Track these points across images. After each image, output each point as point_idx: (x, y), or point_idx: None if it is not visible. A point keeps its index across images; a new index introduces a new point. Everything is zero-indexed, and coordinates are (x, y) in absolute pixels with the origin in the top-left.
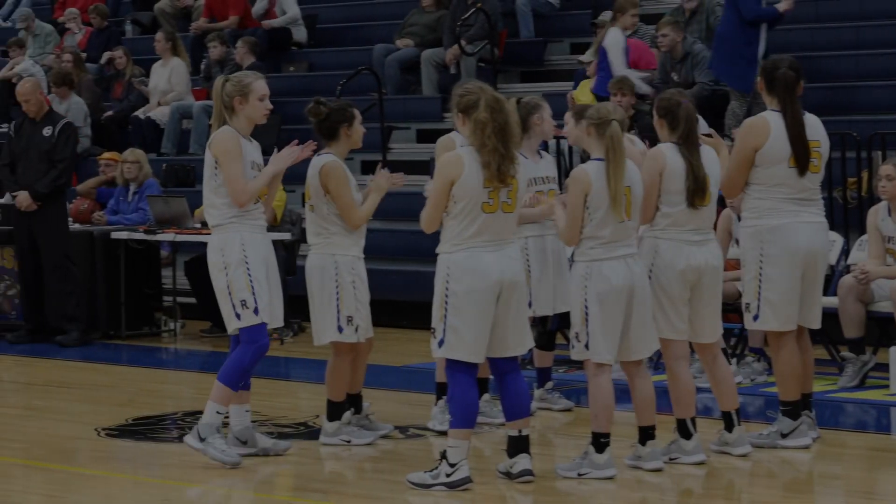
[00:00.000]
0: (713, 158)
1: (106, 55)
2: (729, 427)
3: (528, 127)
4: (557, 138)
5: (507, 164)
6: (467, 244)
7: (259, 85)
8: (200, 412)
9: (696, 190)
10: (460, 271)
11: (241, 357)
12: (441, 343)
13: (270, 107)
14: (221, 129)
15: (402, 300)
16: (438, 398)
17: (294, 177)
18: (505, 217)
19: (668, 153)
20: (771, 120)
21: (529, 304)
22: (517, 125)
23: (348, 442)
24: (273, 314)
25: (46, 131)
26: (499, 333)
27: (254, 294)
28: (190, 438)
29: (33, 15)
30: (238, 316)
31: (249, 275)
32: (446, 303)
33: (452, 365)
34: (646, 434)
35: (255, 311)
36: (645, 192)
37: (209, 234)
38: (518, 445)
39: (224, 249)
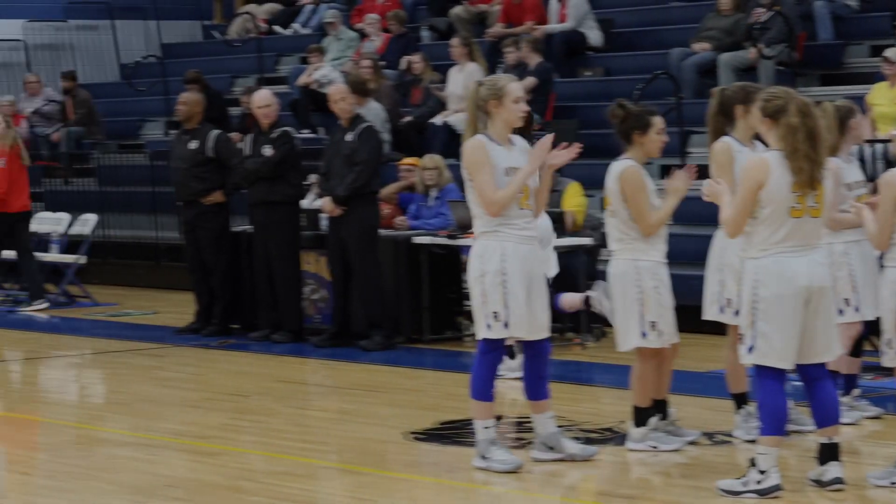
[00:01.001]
0: None
1: (405, 61)
2: None
3: (845, 131)
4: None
5: (817, 170)
6: (774, 249)
7: (513, 87)
8: (502, 416)
9: None
10: (768, 276)
11: (479, 369)
12: (751, 349)
13: (526, 108)
14: (470, 139)
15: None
16: (739, 407)
17: (593, 181)
18: (812, 222)
19: None
20: None
21: (840, 311)
22: (825, 130)
23: (655, 448)
24: (533, 326)
25: (349, 136)
26: (807, 339)
27: (507, 308)
28: (475, 460)
29: (341, 18)
30: (489, 327)
31: (505, 287)
32: (755, 309)
33: (761, 371)
34: None
35: (506, 324)
36: None
37: None
38: (828, 453)
39: (483, 257)
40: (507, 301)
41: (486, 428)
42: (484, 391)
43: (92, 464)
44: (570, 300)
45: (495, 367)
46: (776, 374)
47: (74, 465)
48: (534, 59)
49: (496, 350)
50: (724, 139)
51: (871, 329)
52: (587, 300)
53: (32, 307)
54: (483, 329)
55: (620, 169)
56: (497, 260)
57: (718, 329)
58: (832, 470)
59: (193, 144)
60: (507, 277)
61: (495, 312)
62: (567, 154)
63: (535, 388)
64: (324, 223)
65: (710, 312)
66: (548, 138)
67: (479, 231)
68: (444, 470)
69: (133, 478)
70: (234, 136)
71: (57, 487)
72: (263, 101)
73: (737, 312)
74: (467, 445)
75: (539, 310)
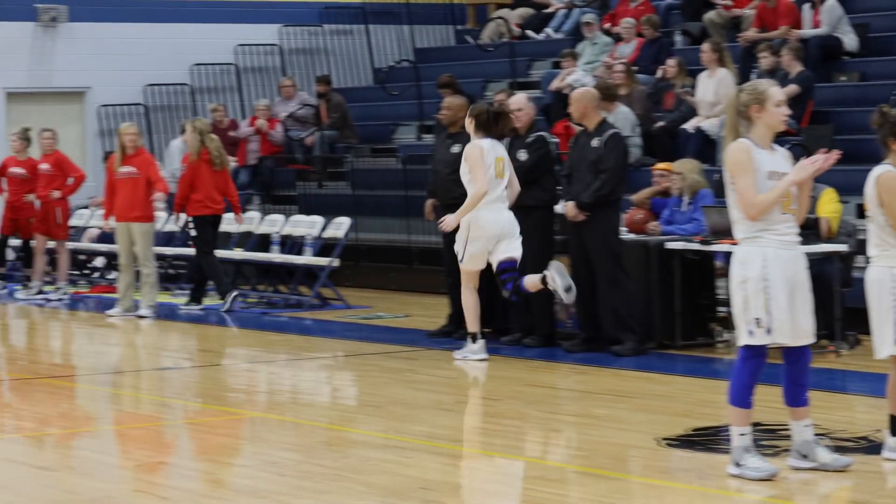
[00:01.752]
0: None
1: (662, 67)
2: None
3: None
4: None
5: None
6: None
7: (775, 91)
8: (758, 423)
9: None
10: None
11: (739, 375)
12: None
13: (788, 112)
14: (734, 143)
15: None
16: None
17: (848, 187)
18: None
19: None
20: None
21: None
22: None
23: None
24: (796, 332)
25: (595, 142)
26: None
27: (769, 314)
28: (729, 467)
29: (598, 21)
30: (750, 333)
31: (767, 293)
32: None
33: None
34: None
35: (768, 331)
36: None
37: None
38: None
39: (745, 263)
40: (769, 307)
41: (742, 435)
42: (743, 398)
43: (345, 465)
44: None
45: (757, 375)
46: None
47: (328, 467)
48: (795, 67)
49: (758, 357)
50: None
51: None
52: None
53: (227, 304)
54: (745, 335)
55: (877, 174)
56: (759, 265)
57: None
58: None
59: (456, 148)
60: (769, 283)
61: (757, 318)
62: (827, 161)
63: (794, 395)
64: None
65: None
66: (821, 156)
67: (741, 236)
68: (696, 477)
69: (386, 480)
70: None
71: (310, 488)
72: (516, 104)
73: None
74: (720, 452)
75: (802, 315)
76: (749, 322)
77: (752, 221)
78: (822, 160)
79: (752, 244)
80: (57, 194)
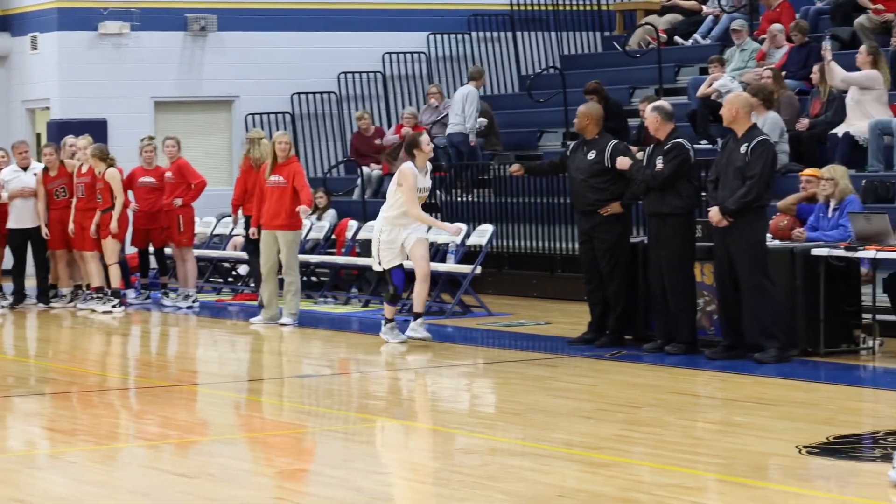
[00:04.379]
0: None
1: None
2: None
3: None
4: None
5: None
6: None
7: None
8: (893, 432)
9: None
10: None
11: None
12: None
13: None
14: None
15: None
16: None
17: None
18: None
19: None
20: None
21: None
22: None
23: None
24: None
25: (742, 148)
26: None
27: None
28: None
29: (747, 27)
30: None
31: None
32: None
33: None
34: None
35: None
36: None
37: None
38: None
39: None
40: None
41: None
42: None
43: (484, 473)
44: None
45: None
46: None
47: (466, 474)
48: None
49: None
50: None
51: None
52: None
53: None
54: None
55: None
56: None
57: None
58: None
59: (592, 155)
60: None
61: None
62: None
63: None
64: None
65: None
66: None
67: None
68: (836, 485)
69: (524, 487)
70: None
71: (449, 496)
72: (643, 114)
73: None
74: (861, 460)
75: None
76: None
77: None
78: None
79: None
80: (179, 202)
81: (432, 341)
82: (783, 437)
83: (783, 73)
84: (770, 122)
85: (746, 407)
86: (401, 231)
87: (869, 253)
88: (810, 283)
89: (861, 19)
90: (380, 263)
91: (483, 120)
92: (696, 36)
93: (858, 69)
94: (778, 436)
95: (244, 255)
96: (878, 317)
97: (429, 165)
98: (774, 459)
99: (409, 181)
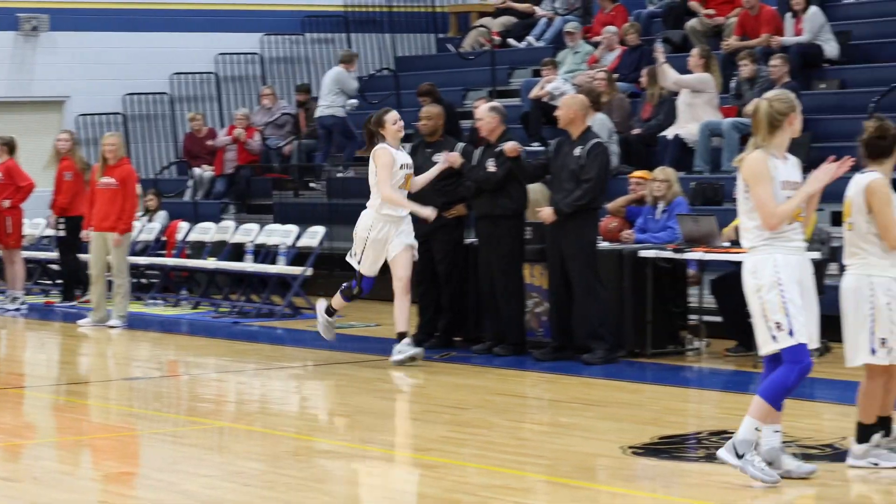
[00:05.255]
0: None
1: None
2: None
3: None
4: None
5: None
6: None
7: (797, 101)
8: (724, 431)
9: None
10: None
11: (785, 376)
12: None
13: None
14: (753, 153)
15: None
16: None
17: (824, 195)
18: None
19: None
20: None
21: None
22: None
23: (876, 465)
24: (810, 335)
25: (577, 151)
26: None
27: (788, 315)
28: (725, 454)
29: (581, 30)
30: (774, 338)
31: (783, 297)
32: None
33: None
34: None
35: (790, 332)
36: None
37: (737, 252)
38: None
39: (756, 272)
40: (787, 310)
41: (757, 430)
42: (776, 397)
43: (310, 475)
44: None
45: (800, 380)
46: None
47: (293, 476)
48: (784, 77)
49: (803, 361)
50: None
51: None
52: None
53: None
54: (769, 343)
55: (868, 181)
56: (770, 271)
57: None
58: None
59: (437, 157)
60: (783, 287)
61: (777, 323)
62: (841, 168)
63: None
64: None
65: None
66: (834, 164)
67: (749, 246)
68: (661, 485)
69: (350, 490)
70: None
71: (274, 498)
72: (478, 114)
73: None
74: (684, 460)
75: (812, 319)
76: (770, 327)
77: (771, 231)
78: (835, 167)
79: (762, 252)
80: (7, 203)
81: (422, 358)
82: (608, 437)
83: (615, 75)
84: (598, 124)
85: (573, 408)
86: (390, 229)
87: (696, 255)
88: (638, 285)
89: (693, 23)
90: (359, 263)
91: (354, 101)
92: (530, 38)
93: (690, 72)
94: (603, 436)
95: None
96: (705, 318)
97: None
98: (600, 460)
99: (383, 158)
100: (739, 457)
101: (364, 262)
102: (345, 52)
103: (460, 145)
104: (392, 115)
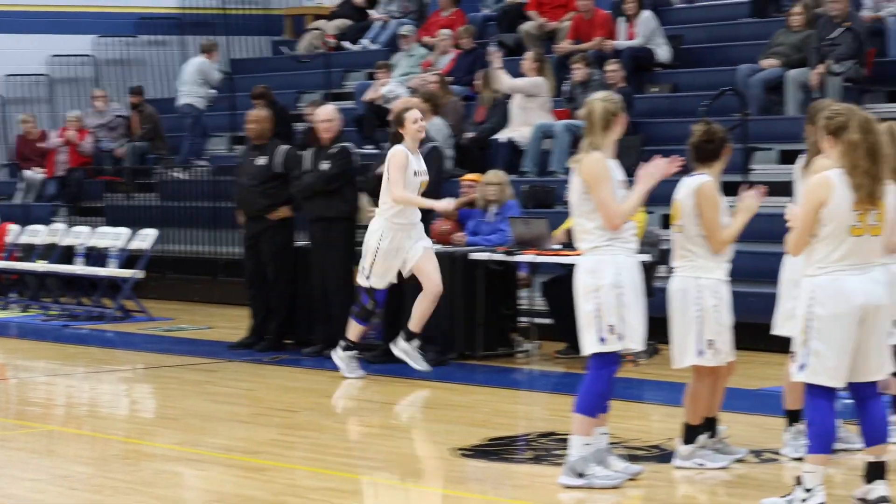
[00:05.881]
0: None
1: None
2: None
3: None
4: None
5: (877, 186)
6: (833, 267)
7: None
8: (554, 433)
9: None
10: (825, 295)
11: (594, 384)
12: (802, 367)
13: None
14: (592, 154)
15: (761, 322)
16: (790, 424)
17: (652, 197)
18: (872, 240)
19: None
20: None
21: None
22: (887, 146)
23: (702, 465)
24: (638, 338)
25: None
26: (860, 358)
27: (623, 320)
28: (566, 479)
29: (416, 33)
30: (603, 340)
31: (621, 299)
32: (809, 327)
33: (812, 390)
34: None
35: (621, 337)
36: None
37: (568, 255)
38: (875, 472)
39: (597, 272)
40: (622, 314)
41: (587, 445)
42: (593, 407)
43: (138, 479)
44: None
45: (612, 382)
46: (827, 393)
47: (120, 480)
48: (620, 82)
49: (614, 364)
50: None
51: None
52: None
53: None
54: (595, 343)
55: (698, 184)
56: (612, 273)
57: (775, 346)
58: (878, 489)
59: (262, 160)
60: (622, 290)
61: (611, 325)
62: (671, 167)
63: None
64: None
65: (784, 328)
66: (664, 162)
67: (590, 245)
68: (490, 486)
69: (179, 493)
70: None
71: (101, 502)
72: (326, 115)
73: None
74: (514, 462)
75: (642, 321)
76: (602, 329)
77: (614, 230)
78: (665, 163)
79: (604, 253)
80: None
81: (430, 373)
82: (439, 439)
83: (450, 78)
84: (434, 128)
85: (403, 410)
86: (403, 239)
87: (527, 257)
88: (469, 287)
89: (526, 26)
90: (367, 278)
91: (213, 91)
92: (365, 41)
93: (524, 75)
94: (434, 438)
95: None
96: (536, 320)
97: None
98: (430, 462)
99: (396, 160)
100: (580, 476)
101: (374, 274)
102: (206, 41)
103: (283, 148)
104: (412, 114)
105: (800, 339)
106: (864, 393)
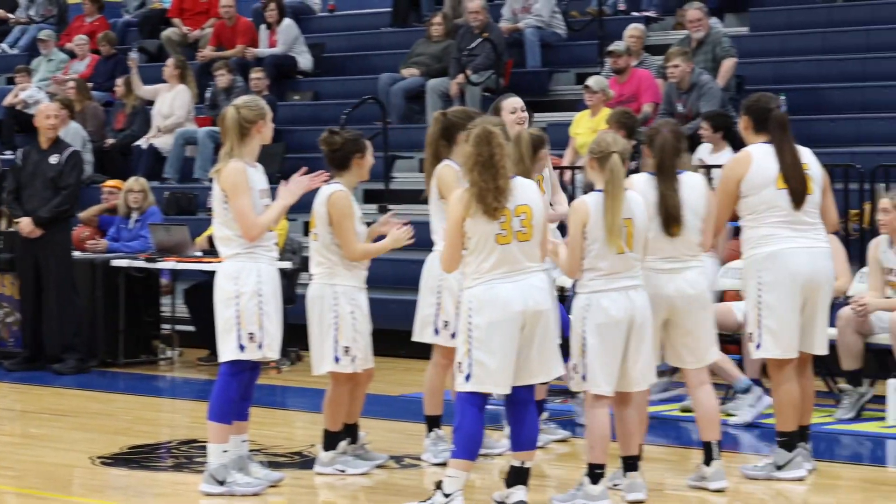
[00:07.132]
0: (692, 186)
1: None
2: (707, 460)
3: (536, 159)
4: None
5: (495, 197)
6: (486, 277)
7: (268, 108)
8: (195, 440)
9: (669, 218)
10: (480, 304)
11: (226, 391)
12: (468, 378)
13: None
14: (231, 163)
15: (401, 329)
16: (430, 430)
17: (296, 206)
18: (521, 246)
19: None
20: (753, 150)
21: None
22: (507, 157)
23: (343, 472)
24: (276, 347)
25: (53, 159)
26: (521, 363)
27: (262, 328)
28: (207, 486)
29: (55, 38)
30: (242, 348)
31: (261, 308)
32: (470, 337)
33: (465, 397)
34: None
35: (260, 345)
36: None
37: (209, 262)
38: (518, 477)
39: (239, 279)
40: (262, 322)
41: (225, 452)
42: (226, 413)
43: None
44: None
45: (242, 389)
46: (478, 401)
47: None
48: (264, 90)
49: (246, 371)
50: (448, 163)
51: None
52: None
53: None
54: (234, 350)
55: (329, 193)
56: (254, 281)
57: (416, 353)
58: (517, 493)
59: None
60: (263, 298)
61: (251, 333)
62: (315, 181)
63: (239, 410)
64: None
65: (424, 335)
66: (305, 175)
67: (230, 253)
68: (132, 494)
69: None
70: None
71: None
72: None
73: (454, 335)
74: (155, 470)
75: (280, 329)
76: (242, 337)
77: (251, 242)
78: (307, 180)
79: (246, 260)
80: None
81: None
82: (79, 448)
83: (90, 84)
84: (71, 133)
85: (43, 418)
86: None
87: (169, 264)
88: (111, 294)
89: (168, 32)
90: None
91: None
92: (4, 45)
93: (165, 81)
94: (74, 447)
95: None
96: (178, 327)
97: None
98: (70, 471)
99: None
100: (221, 483)
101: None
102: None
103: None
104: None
105: (462, 349)
106: (521, 397)
